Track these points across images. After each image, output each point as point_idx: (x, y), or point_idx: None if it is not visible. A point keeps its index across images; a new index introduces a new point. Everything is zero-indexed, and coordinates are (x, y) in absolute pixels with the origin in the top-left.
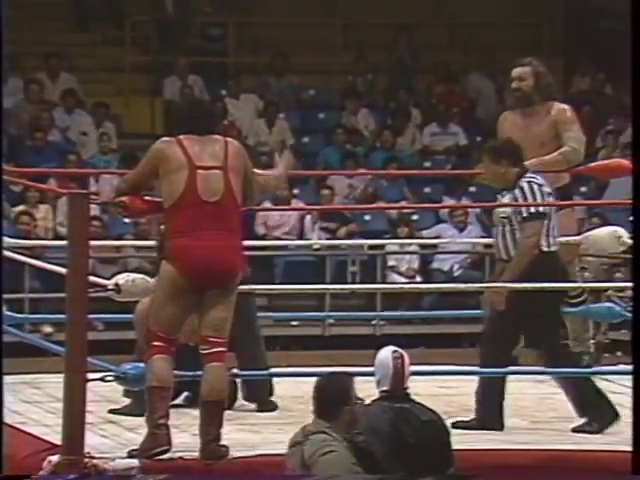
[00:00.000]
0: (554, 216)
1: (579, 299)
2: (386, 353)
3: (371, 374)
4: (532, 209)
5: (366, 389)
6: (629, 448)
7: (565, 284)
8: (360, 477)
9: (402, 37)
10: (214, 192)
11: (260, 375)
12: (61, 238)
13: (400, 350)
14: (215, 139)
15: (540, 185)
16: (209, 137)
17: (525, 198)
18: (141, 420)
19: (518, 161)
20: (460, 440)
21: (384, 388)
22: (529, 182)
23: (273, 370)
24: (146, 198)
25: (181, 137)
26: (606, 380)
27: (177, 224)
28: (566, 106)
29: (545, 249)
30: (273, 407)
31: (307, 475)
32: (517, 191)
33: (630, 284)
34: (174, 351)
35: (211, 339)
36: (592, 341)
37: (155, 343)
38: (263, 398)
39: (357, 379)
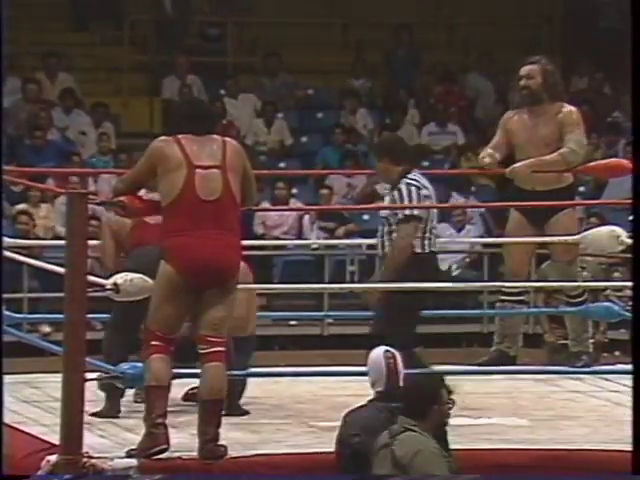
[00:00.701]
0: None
1: (580, 299)
2: (378, 353)
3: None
4: (407, 211)
5: (364, 388)
6: (627, 447)
7: (569, 283)
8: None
9: (401, 37)
10: (212, 191)
11: (262, 375)
12: (59, 238)
13: (392, 350)
14: (213, 139)
15: (419, 188)
16: (208, 137)
17: (402, 200)
18: (138, 420)
19: (401, 159)
20: (457, 440)
21: (379, 389)
22: (407, 184)
23: (272, 370)
24: (144, 198)
25: (179, 137)
26: (605, 379)
27: (175, 223)
28: (573, 108)
29: (419, 251)
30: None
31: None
32: (395, 192)
33: (629, 284)
34: (172, 350)
35: (210, 339)
36: (591, 341)
37: (153, 342)
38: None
39: (357, 379)
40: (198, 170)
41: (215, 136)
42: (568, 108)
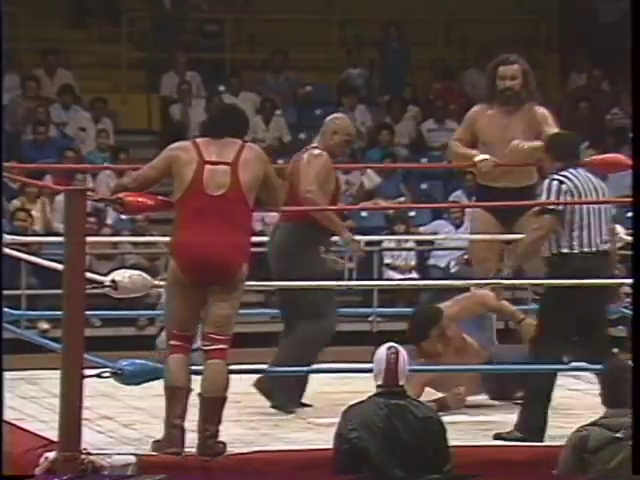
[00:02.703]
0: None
1: None
2: (383, 349)
3: (367, 371)
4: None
5: (363, 385)
6: None
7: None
8: None
9: (399, 33)
10: (219, 186)
11: (261, 372)
12: (57, 234)
13: (397, 347)
14: (232, 142)
15: (561, 182)
16: (227, 140)
17: (543, 193)
18: (137, 416)
19: (563, 156)
20: (456, 436)
21: (379, 382)
22: (552, 178)
23: (267, 367)
24: (144, 195)
25: (198, 139)
26: None
27: (181, 218)
28: (546, 110)
29: (565, 251)
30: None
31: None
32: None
33: (626, 280)
34: (191, 349)
35: (213, 336)
36: None
37: (172, 342)
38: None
39: (355, 376)
40: (208, 166)
41: (236, 140)
42: (540, 108)
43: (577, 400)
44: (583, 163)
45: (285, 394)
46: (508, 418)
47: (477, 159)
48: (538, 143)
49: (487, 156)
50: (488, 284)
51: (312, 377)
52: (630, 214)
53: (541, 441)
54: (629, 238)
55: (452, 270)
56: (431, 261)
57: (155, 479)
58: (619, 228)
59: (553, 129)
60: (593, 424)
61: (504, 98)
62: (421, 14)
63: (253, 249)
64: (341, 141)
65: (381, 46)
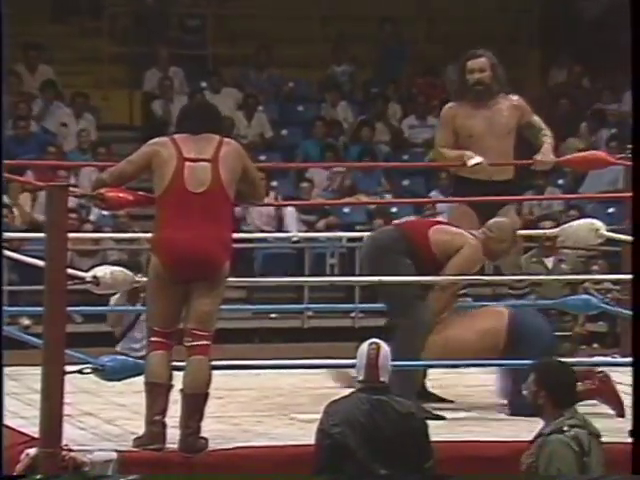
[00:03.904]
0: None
1: (523, 291)
2: (365, 344)
3: (350, 366)
4: None
5: None
6: (608, 439)
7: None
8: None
9: (387, 30)
10: (201, 183)
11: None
12: (39, 230)
13: (379, 342)
14: (210, 137)
15: None
16: (205, 136)
17: None
18: (119, 413)
19: None
20: (438, 432)
21: (360, 378)
22: None
23: (253, 363)
24: (124, 191)
25: (175, 136)
26: None
27: (163, 215)
28: (521, 99)
29: None
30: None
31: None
32: None
33: (607, 277)
34: (172, 346)
35: (195, 332)
36: (569, 333)
37: (153, 339)
38: None
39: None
40: (188, 163)
41: (214, 135)
42: (515, 97)
43: None
44: (564, 160)
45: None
46: (488, 414)
47: (471, 163)
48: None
49: (480, 159)
50: (469, 280)
51: (294, 372)
52: (611, 210)
53: None
54: (610, 234)
55: None
56: None
57: (128, 479)
58: (600, 224)
59: (534, 117)
60: (560, 429)
61: (475, 92)
62: (403, 10)
63: (235, 245)
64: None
65: (376, 43)
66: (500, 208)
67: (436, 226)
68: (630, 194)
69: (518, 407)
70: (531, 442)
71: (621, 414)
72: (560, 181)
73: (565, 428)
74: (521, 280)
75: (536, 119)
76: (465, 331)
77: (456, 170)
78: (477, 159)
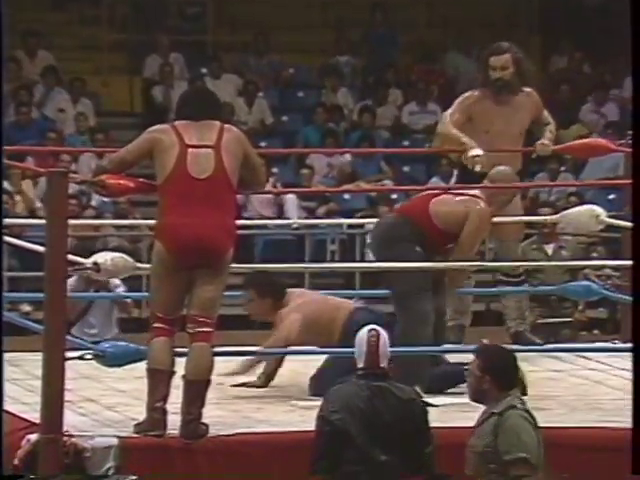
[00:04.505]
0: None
1: (519, 278)
2: (364, 331)
3: (350, 353)
4: None
5: None
6: (606, 425)
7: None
8: None
9: (377, 15)
10: (204, 169)
11: (242, 354)
12: (41, 217)
13: (378, 329)
14: (212, 124)
15: None
16: (206, 122)
17: None
18: (120, 399)
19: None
20: (438, 418)
21: (360, 365)
22: None
23: (254, 349)
24: (125, 178)
25: (176, 122)
26: (583, 358)
27: (166, 201)
28: (533, 90)
29: None
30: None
31: None
32: None
33: (607, 263)
34: (175, 332)
35: (199, 318)
36: (569, 319)
37: (155, 325)
38: None
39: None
40: (191, 149)
41: (214, 122)
42: (530, 91)
43: (556, 381)
44: (565, 147)
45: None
46: None
47: (471, 154)
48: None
49: (480, 151)
50: (469, 266)
51: (294, 358)
52: (611, 196)
53: None
54: (611, 220)
55: None
56: None
57: (128, 479)
58: (600, 210)
59: (545, 112)
60: (513, 406)
61: (496, 88)
62: None
63: (237, 232)
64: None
65: (367, 28)
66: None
67: (434, 199)
68: (630, 181)
69: (318, 388)
70: (478, 425)
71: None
72: (561, 168)
73: (518, 405)
74: (517, 267)
75: (545, 114)
76: (312, 315)
77: (464, 161)
78: (476, 151)
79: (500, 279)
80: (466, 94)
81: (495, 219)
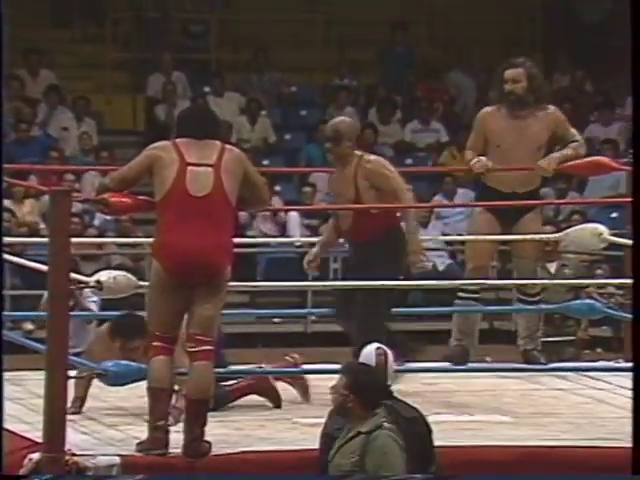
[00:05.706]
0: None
1: (537, 297)
2: (370, 349)
3: None
4: None
5: None
6: (610, 444)
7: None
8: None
9: (394, 35)
10: (202, 187)
11: (245, 373)
12: (44, 236)
13: (384, 347)
14: (212, 143)
15: None
16: (207, 141)
17: None
18: (122, 417)
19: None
20: (441, 436)
21: None
22: None
23: (258, 368)
24: (127, 196)
25: (177, 140)
26: (588, 377)
27: (164, 219)
28: (560, 113)
29: None
30: None
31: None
32: None
33: (610, 280)
34: (173, 351)
35: (198, 337)
36: (572, 337)
37: (155, 344)
38: None
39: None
40: (190, 167)
41: (215, 142)
42: (554, 109)
43: (560, 400)
44: (569, 166)
45: None
46: (492, 418)
47: (472, 162)
48: (558, 155)
49: (482, 158)
50: (477, 284)
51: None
52: (614, 215)
53: None
54: (613, 239)
55: (440, 268)
56: None
57: (135, 479)
58: (603, 228)
59: (571, 130)
60: (380, 425)
61: (509, 102)
62: (404, 14)
63: (238, 250)
64: None
65: (382, 46)
66: (522, 216)
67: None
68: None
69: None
70: (343, 444)
71: (278, 405)
72: (563, 186)
73: (385, 424)
74: (534, 286)
75: (572, 132)
76: None
77: (483, 178)
78: (477, 158)
79: (519, 297)
80: (479, 113)
81: (514, 237)
